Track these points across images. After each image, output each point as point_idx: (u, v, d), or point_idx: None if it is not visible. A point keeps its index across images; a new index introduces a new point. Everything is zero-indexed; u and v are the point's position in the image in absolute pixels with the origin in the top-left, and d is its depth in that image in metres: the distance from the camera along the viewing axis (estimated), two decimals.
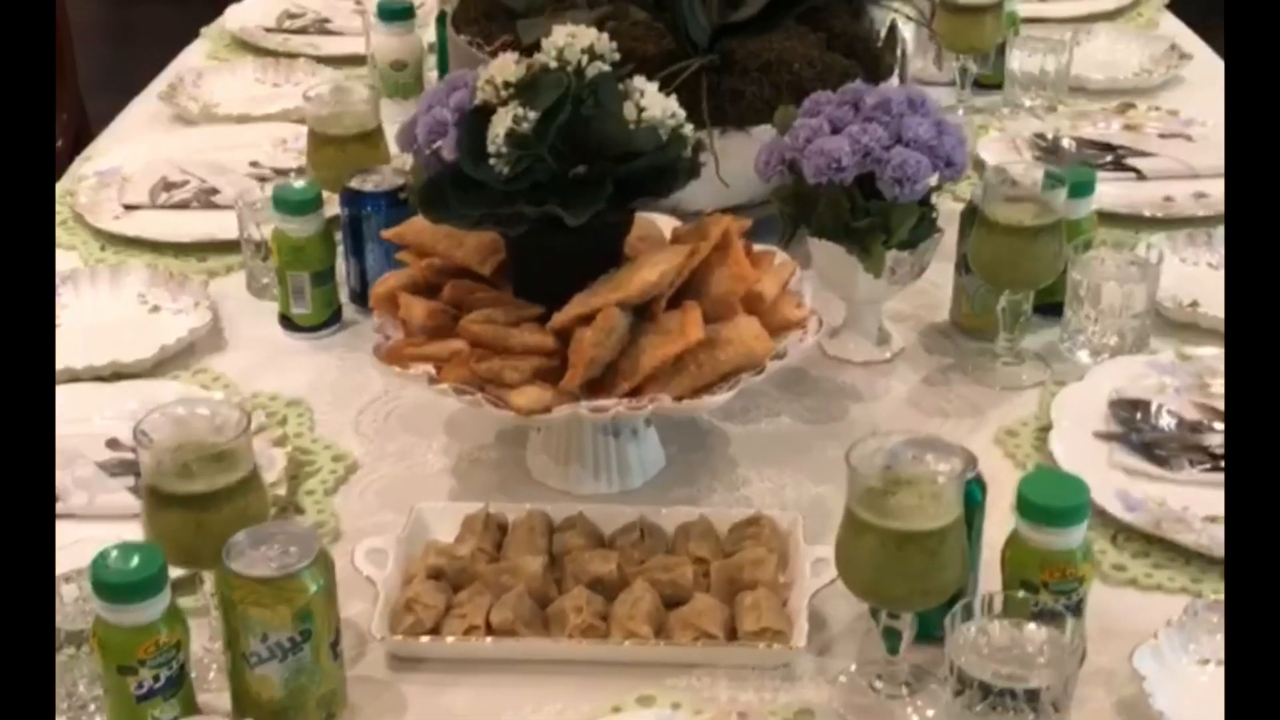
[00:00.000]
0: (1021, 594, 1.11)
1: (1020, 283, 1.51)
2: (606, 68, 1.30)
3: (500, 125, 1.27)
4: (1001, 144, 1.97)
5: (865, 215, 1.48)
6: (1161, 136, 1.98)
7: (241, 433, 1.15)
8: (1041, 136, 1.98)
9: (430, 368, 1.30)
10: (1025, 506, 1.14)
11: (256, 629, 1.09)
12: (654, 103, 1.29)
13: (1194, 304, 1.62)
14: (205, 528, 1.13)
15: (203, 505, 1.13)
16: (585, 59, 1.29)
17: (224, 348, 1.63)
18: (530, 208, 1.27)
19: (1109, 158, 1.94)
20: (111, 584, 1.06)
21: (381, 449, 1.46)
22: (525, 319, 1.31)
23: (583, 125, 1.27)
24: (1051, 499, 1.13)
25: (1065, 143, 1.97)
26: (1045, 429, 1.45)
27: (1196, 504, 1.33)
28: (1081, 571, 1.14)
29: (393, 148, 1.64)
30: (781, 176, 1.53)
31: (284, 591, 1.09)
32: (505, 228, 1.29)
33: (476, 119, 1.30)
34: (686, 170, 1.32)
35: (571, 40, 1.29)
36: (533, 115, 1.26)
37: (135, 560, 1.08)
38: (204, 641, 1.19)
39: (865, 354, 1.57)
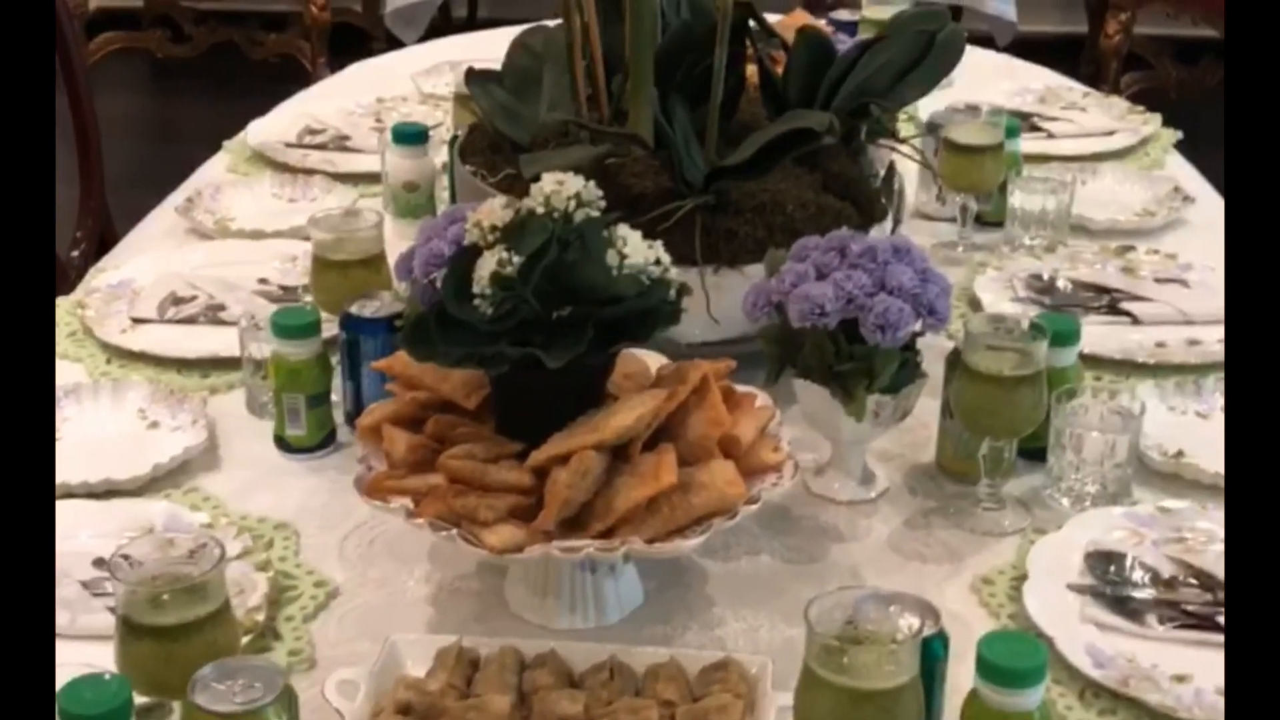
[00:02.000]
0: None
1: (1000, 431, 1.53)
2: (594, 213, 1.34)
3: (485, 268, 1.30)
4: (998, 283, 1.99)
5: (848, 359, 1.50)
6: (1158, 281, 2.00)
7: (215, 565, 1.17)
8: (1037, 277, 2.00)
9: (409, 501, 1.33)
10: (984, 667, 1.14)
11: None
12: (636, 250, 1.32)
13: (1179, 454, 1.64)
14: (174, 659, 1.16)
15: (173, 637, 1.16)
16: (572, 205, 1.32)
17: (218, 466, 1.66)
18: (512, 348, 1.30)
19: (1104, 300, 1.96)
20: (75, 715, 1.08)
21: (364, 575, 1.48)
22: (504, 456, 1.34)
23: (567, 269, 1.30)
24: (1011, 659, 1.14)
25: (1061, 283, 1.99)
26: (1021, 578, 1.45)
27: (1166, 662, 1.33)
28: None
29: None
30: (769, 317, 1.55)
31: None
32: (487, 367, 1.32)
33: (463, 260, 1.33)
34: (668, 315, 1.34)
35: (559, 187, 1.32)
36: (517, 259, 1.30)
37: (100, 692, 1.10)
38: None
39: (849, 493, 1.59)
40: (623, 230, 1.34)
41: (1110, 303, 1.95)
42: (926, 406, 1.61)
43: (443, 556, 1.49)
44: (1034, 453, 1.61)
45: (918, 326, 1.51)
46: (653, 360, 1.47)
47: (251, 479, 1.63)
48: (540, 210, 1.32)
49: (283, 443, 1.67)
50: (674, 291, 1.37)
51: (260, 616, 1.38)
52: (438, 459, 1.34)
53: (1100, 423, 1.58)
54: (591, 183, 1.34)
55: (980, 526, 1.55)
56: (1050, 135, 2.49)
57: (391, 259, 1.58)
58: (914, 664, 1.10)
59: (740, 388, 1.44)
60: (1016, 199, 2.11)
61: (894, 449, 1.66)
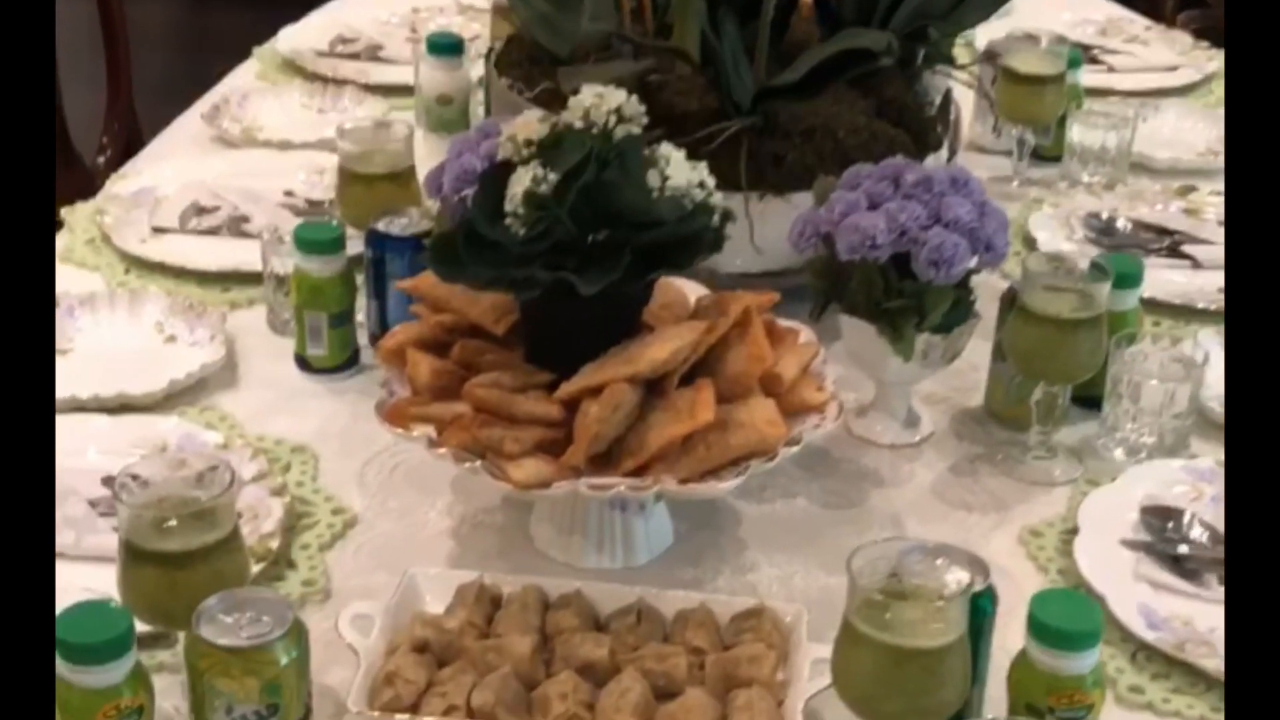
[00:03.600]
0: None
1: (1056, 376, 1.45)
2: (635, 130, 1.26)
3: (519, 184, 1.23)
4: (1055, 221, 1.90)
5: (898, 296, 1.42)
6: (1221, 224, 1.91)
7: (224, 490, 1.11)
8: (1096, 216, 1.91)
9: (431, 430, 1.26)
10: (1036, 627, 1.08)
11: (222, 700, 1.05)
12: (679, 171, 1.25)
13: None
14: (179, 587, 1.10)
15: (178, 564, 1.10)
16: (612, 120, 1.25)
17: (236, 384, 1.60)
18: (544, 272, 1.23)
19: (1165, 242, 1.87)
20: (73, 644, 1.02)
21: (383, 505, 1.42)
22: (532, 386, 1.27)
23: (604, 190, 1.23)
24: (1064, 620, 1.07)
25: (1120, 224, 1.90)
26: (1072, 532, 1.38)
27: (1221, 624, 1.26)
28: (1091, 699, 1.08)
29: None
30: (815, 249, 1.47)
31: (252, 663, 1.04)
32: (517, 291, 1.25)
33: (496, 176, 1.26)
34: (710, 242, 1.27)
35: (599, 101, 1.25)
36: (553, 176, 1.22)
37: (101, 620, 1.04)
38: (175, 701, 1.15)
39: (892, 436, 1.52)
40: (665, 149, 1.26)
41: (1171, 245, 1.87)
42: (977, 348, 1.53)
43: (466, 489, 1.42)
44: (1088, 400, 1.53)
45: (973, 263, 1.43)
46: (691, 290, 1.39)
47: (270, 399, 1.57)
48: (579, 125, 1.25)
49: (303, 362, 1.61)
50: (717, 218, 1.29)
51: (274, 544, 1.32)
52: (463, 387, 1.27)
53: (1160, 370, 1.50)
54: (634, 97, 1.26)
55: (1029, 476, 1.48)
56: (1111, 69, 2.39)
57: (422, 174, 1.50)
58: (962, 622, 1.03)
59: (783, 322, 1.36)
60: (1076, 133, 2.02)
61: (941, 391, 1.58)
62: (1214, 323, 1.70)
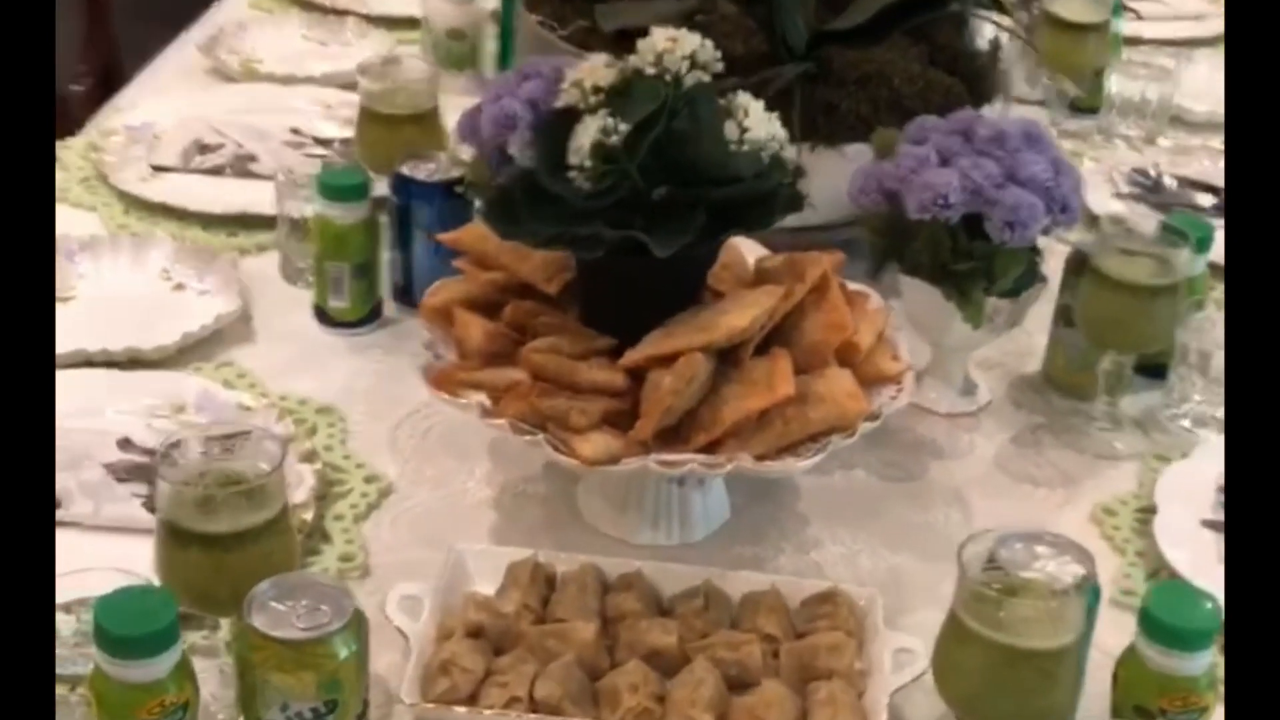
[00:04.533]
0: None
1: (1130, 345, 1.38)
2: (707, 78, 1.17)
3: (586, 135, 1.14)
4: (1098, 176, 1.83)
5: (967, 258, 1.34)
6: None
7: (276, 466, 1.02)
8: (1142, 173, 1.84)
9: (485, 398, 1.17)
10: (1151, 624, 1.01)
11: (276, 696, 0.96)
12: (759, 123, 1.16)
13: None
14: (225, 571, 1.01)
15: (225, 546, 1.01)
16: (685, 67, 1.16)
17: (252, 338, 1.50)
18: (610, 231, 1.14)
19: (1214, 201, 1.80)
20: (116, 636, 0.93)
21: (419, 472, 1.33)
22: (594, 352, 1.18)
23: (678, 142, 1.14)
24: (1180, 617, 1.00)
25: (1167, 181, 1.83)
26: (1146, 510, 1.32)
27: None
28: (1205, 701, 1.01)
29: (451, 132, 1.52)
30: (876, 204, 1.39)
31: (311, 657, 0.96)
32: (581, 250, 1.16)
33: (557, 124, 1.17)
34: (788, 200, 1.18)
35: (672, 45, 1.15)
36: (623, 127, 1.13)
37: (144, 608, 0.95)
38: (212, 688, 1.06)
39: (949, 404, 1.44)
40: (743, 99, 1.17)
41: (1220, 204, 1.79)
42: (1033, 311, 1.45)
43: (506, 455, 1.34)
44: (1151, 369, 1.46)
45: (1046, 224, 1.35)
46: (748, 250, 1.31)
47: (290, 354, 1.48)
48: (649, 71, 1.15)
49: (323, 314, 1.51)
50: (791, 172, 1.20)
51: (308, 515, 1.23)
52: (517, 350, 1.18)
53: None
54: (709, 42, 1.17)
55: (1094, 448, 1.41)
56: (1138, 16, 2.30)
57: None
58: (1080, 621, 0.96)
59: (852, 285, 1.28)
60: (1115, 84, 1.94)
61: (995, 356, 1.51)
62: None
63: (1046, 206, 1.33)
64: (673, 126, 1.14)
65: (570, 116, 1.16)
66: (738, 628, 1.14)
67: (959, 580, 0.98)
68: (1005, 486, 1.36)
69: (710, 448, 1.14)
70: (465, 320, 1.21)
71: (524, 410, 1.15)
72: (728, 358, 1.15)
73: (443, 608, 1.14)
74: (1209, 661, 1.01)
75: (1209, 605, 1.01)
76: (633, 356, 1.15)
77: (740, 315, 1.13)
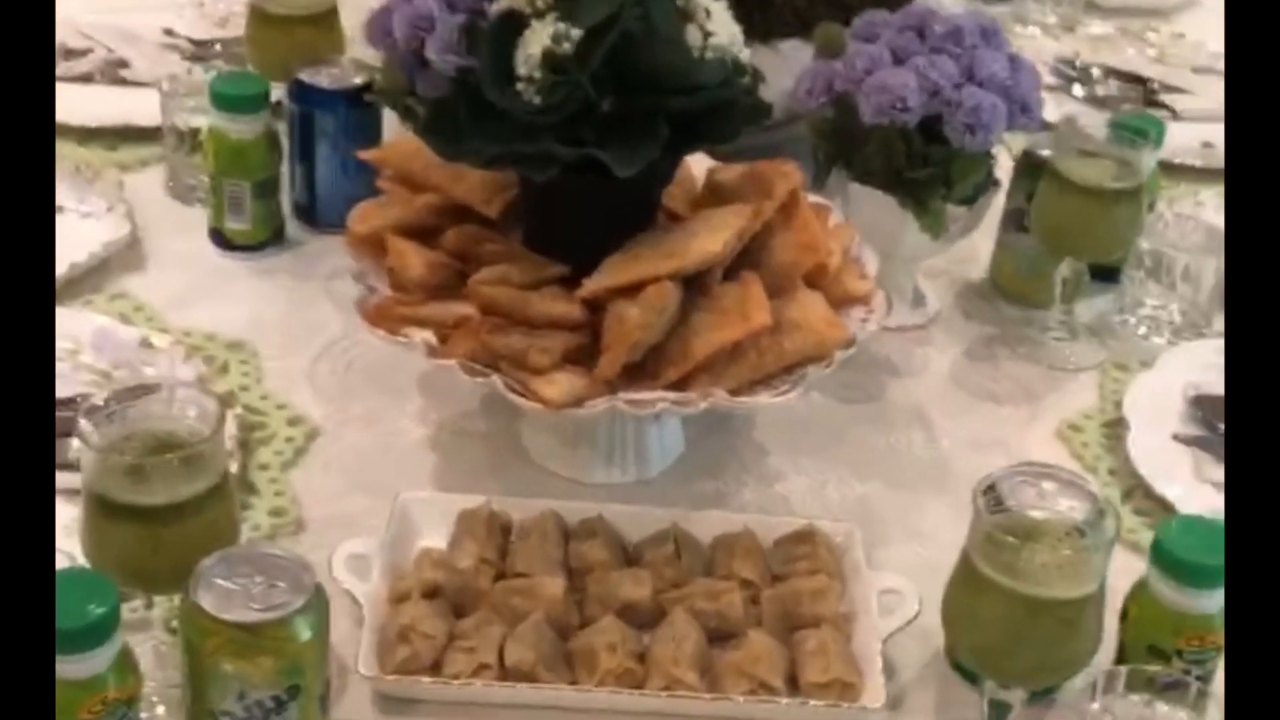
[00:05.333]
0: (1153, 667, 0.92)
1: (1090, 252, 1.32)
2: None
3: (534, 43, 1.03)
4: None
5: (924, 164, 1.27)
6: (1196, 71, 1.78)
7: (215, 429, 0.91)
8: (1068, 63, 1.78)
9: (430, 335, 1.07)
10: (1165, 559, 0.95)
11: (231, 685, 0.86)
12: (721, 25, 1.06)
13: None
14: (164, 546, 0.90)
15: (162, 519, 0.90)
16: None
17: (143, 266, 1.37)
18: (564, 148, 1.03)
19: (1139, 92, 1.74)
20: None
21: (345, 411, 1.22)
22: (546, 281, 1.08)
23: (635, 49, 1.03)
24: (1200, 553, 0.94)
25: (1094, 72, 1.77)
26: (1112, 424, 1.27)
27: None
28: (1219, 637, 0.96)
29: (351, 34, 1.40)
30: (823, 108, 1.30)
31: (270, 641, 0.86)
32: (531, 170, 1.05)
33: (501, 31, 1.05)
34: (753, 110, 1.09)
35: None
36: (575, 33, 1.02)
37: (79, 595, 0.84)
38: (146, 666, 0.96)
39: (900, 317, 1.36)
40: None
41: (1147, 95, 1.74)
42: None
43: (439, 389, 1.24)
44: (1102, 272, 1.40)
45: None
46: (693, 161, 1.21)
47: (187, 283, 1.35)
48: None
49: (220, 238, 1.39)
50: (751, 78, 1.11)
51: (232, 466, 1.12)
52: (463, 283, 1.08)
53: (1181, 240, 1.38)
54: None
55: (1051, 360, 1.35)
56: None
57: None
58: (1104, 566, 0.90)
59: (812, 198, 1.19)
60: None
61: (939, 264, 1.43)
62: (1211, 183, 1.58)
63: (1006, 108, 1.26)
64: (628, 32, 1.04)
65: (515, 22, 1.05)
66: (712, 574, 1.07)
67: (973, 525, 0.91)
68: (966, 404, 1.30)
69: (680, 383, 1.05)
70: (402, 249, 1.10)
71: (475, 348, 1.05)
72: (694, 284, 1.06)
73: (393, 566, 1.04)
74: (1222, 599, 0.96)
75: (1222, 537, 0.96)
76: (592, 286, 1.06)
77: (710, 238, 1.04)
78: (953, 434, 1.26)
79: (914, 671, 1.04)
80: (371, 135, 1.38)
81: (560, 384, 1.02)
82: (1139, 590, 0.97)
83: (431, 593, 1.02)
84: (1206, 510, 1.16)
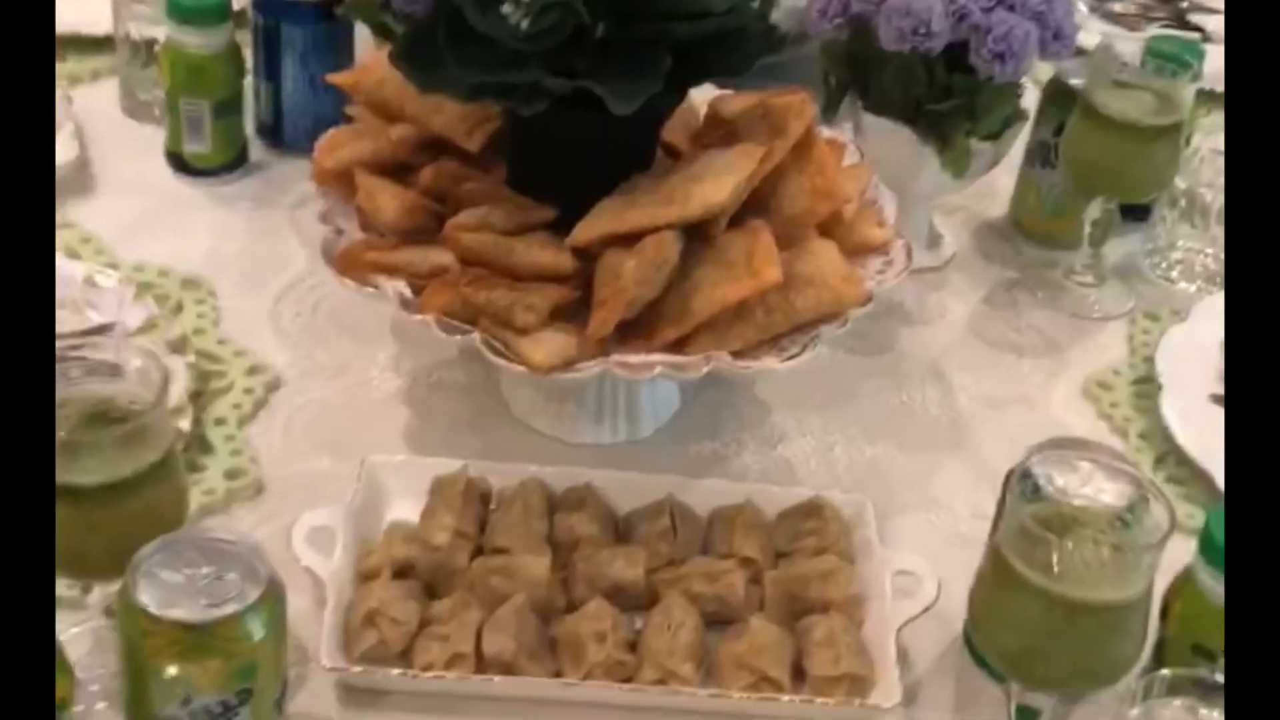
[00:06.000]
0: (1198, 670, 0.83)
1: (1125, 191, 1.22)
2: None
3: None
4: None
5: (947, 96, 1.16)
6: None
7: (159, 396, 0.81)
8: None
9: (403, 285, 0.97)
10: (1214, 551, 0.86)
11: (175, 689, 0.77)
12: None
13: None
14: (99, 529, 0.80)
15: (99, 500, 0.80)
16: None
17: (92, 190, 1.26)
18: (555, 79, 0.92)
19: (1168, 10, 1.63)
20: None
21: (310, 359, 1.12)
22: (531, 226, 0.98)
23: None
24: None
25: None
26: (1143, 381, 1.17)
27: None
28: None
29: None
30: (838, 29, 1.19)
31: (218, 641, 0.76)
32: (519, 104, 0.94)
33: None
34: (764, 40, 0.98)
35: None
36: None
37: None
38: (80, 653, 0.86)
39: (915, 259, 1.26)
40: None
41: (1178, 14, 1.62)
42: None
43: (412, 335, 1.13)
44: (1130, 208, 1.30)
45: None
46: (697, 91, 1.10)
47: (140, 210, 1.24)
48: None
49: (178, 161, 1.28)
50: (761, 3, 1.00)
51: (185, 422, 1.02)
52: (441, 227, 0.98)
53: (1219, 178, 1.28)
54: None
55: (1076, 307, 1.25)
56: None
57: None
58: (1155, 565, 0.81)
59: (824, 133, 1.09)
60: None
61: (954, 200, 1.33)
62: None
63: (1039, 35, 1.15)
64: None
65: None
66: (710, 551, 0.98)
67: (1004, 516, 0.82)
68: (985, 357, 1.20)
69: (679, 343, 0.95)
70: (373, 188, 0.99)
71: (453, 302, 0.94)
72: (697, 234, 0.96)
73: (360, 540, 0.95)
74: None
75: None
76: (585, 233, 0.95)
77: (716, 185, 0.94)
78: (970, 390, 1.16)
79: (929, 661, 0.95)
80: (343, 52, 1.27)
81: (547, 344, 0.92)
82: (1183, 584, 0.88)
83: (403, 571, 0.93)
84: None
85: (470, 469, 0.99)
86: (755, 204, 0.97)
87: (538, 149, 1.00)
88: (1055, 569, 0.79)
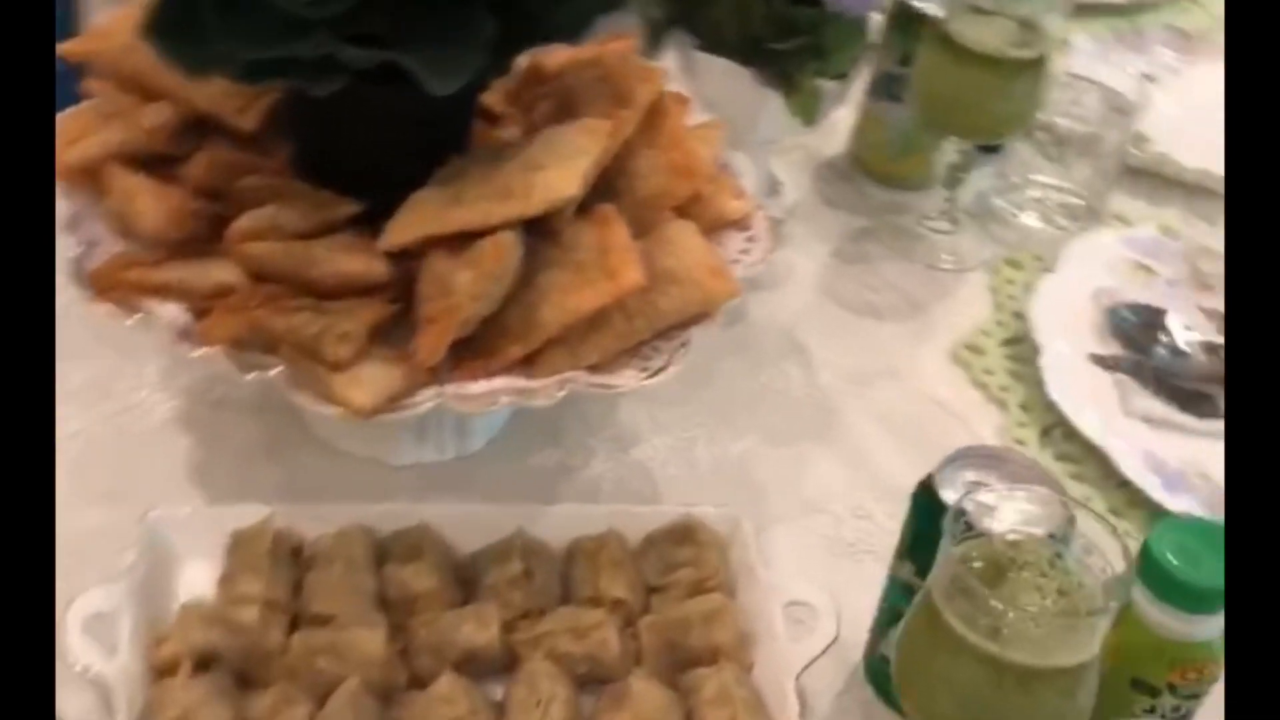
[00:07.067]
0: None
1: (983, 130, 1.10)
2: None
3: None
4: None
5: (791, 33, 1.02)
6: None
7: None
8: None
9: (180, 310, 0.79)
10: (1160, 579, 0.74)
11: None
12: None
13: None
14: None
15: None
16: None
17: None
18: (351, 50, 0.75)
19: None
20: None
21: (66, 378, 0.93)
22: (333, 225, 0.81)
23: None
24: (1203, 572, 0.74)
25: None
26: (1016, 341, 1.06)
27: None
28: (1219, 669, 0.77)
29: None
30: None
31: None
32: (311, 82, 0.76)
33: None
34: None
35: None
36: None
37: None
38: None
39: None
40: None
41: None
42: None
43: None
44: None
45: None
46: None
47: None
48: None
49: None
50: None
51: None
52: (219, 228, 0.80)
53: (1076, 107, 1.17)
54: None
55: (930, 257, 1.14)
56: None
57: None
58: (1109, 620, 0.69)
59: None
60: None
61: (786, 139, 1.19)
62: (1086, 16, 1.36)
63: None
64: None
65: None
66: (572, 596, 0.83)
67: (937, 565, 0.69)
68: (843, 322, 1.08)
69: (526, 360, 0.80)
70: (131, 188, 0.80)
71: (244, 329, 0.77)
72: (537, 228, 0.80)
73: (149, 624, 0.78)
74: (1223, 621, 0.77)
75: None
76: (402, 235, 0.78)
77: (563, 173, 0.78)
78: (833, 364, 1.03)
79: (828, 701, 0.83)
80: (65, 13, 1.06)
81: (368, 381, 0.76)
82: (1125, 615, 0.77)
83: (205, 661, 0.76)
84: (1139, 454, 0.97)
85: (276, 518, 0.83)
86: (601, 186, 0.82)
87: (330, 127, 0.83)
88: (999, 633, 0.67)
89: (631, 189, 0.83)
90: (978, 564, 0.69)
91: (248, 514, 0.83)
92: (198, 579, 0.81)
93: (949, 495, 0.76)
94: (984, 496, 0.72)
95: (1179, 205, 1.21)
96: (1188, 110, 1.27)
